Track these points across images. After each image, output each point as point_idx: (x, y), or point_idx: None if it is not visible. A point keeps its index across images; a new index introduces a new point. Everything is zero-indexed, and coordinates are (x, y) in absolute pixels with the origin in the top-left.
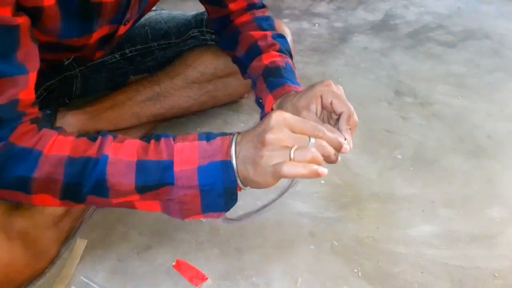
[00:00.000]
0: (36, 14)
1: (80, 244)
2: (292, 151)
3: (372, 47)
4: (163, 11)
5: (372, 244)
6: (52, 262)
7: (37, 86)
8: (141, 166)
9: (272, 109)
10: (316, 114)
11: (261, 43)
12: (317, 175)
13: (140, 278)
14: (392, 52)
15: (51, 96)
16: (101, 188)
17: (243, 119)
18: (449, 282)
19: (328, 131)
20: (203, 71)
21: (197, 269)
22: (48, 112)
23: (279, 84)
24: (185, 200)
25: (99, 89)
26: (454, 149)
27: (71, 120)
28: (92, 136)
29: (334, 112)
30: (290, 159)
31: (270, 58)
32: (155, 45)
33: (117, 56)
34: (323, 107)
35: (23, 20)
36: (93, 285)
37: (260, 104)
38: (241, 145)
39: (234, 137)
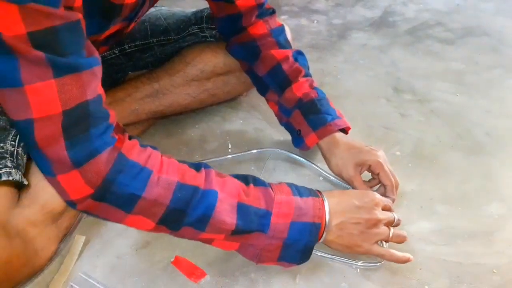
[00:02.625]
0: None
1: (78, 240)
2: (391, 233)
3: (371, 44)
4: (163, 8)
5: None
6: (51, 259)
7: None
8: (242, 209)
9: (318, 146)
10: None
11: (284, 67)
12: (409, 260)
13: (138, 275)
14: (391, 49)
15: None
16: (203, 222)
17: (241, 116)
18: (447, 279)
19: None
20: (202, 69)
21: (196, 265)
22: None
23: (322, 123)
24: (268, 248)
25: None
26: (453, 146)
27: None
28: (192, 164)
29: (379, 181)
30: (388, 240)
31: (302, 89)
32: (155, 41)
33: (116, 51)
34: (368, 170)
35: (80, 15)
36: (91, 281)
37: (291, 130)
38: (336, 212)
39: (325, 201)
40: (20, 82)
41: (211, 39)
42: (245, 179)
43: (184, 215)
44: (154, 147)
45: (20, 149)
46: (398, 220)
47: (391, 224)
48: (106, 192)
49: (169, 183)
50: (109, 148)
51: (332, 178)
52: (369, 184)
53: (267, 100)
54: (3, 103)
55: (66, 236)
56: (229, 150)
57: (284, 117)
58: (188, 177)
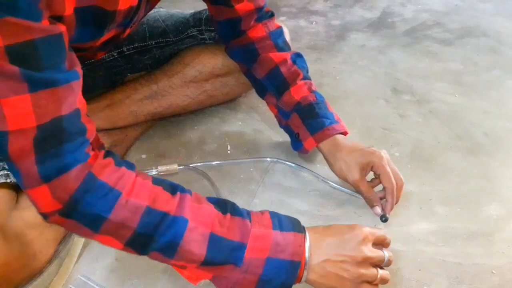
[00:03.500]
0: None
1: (77, 243)
2: (379, 274)
3: (369, 44)
4: (161, 10)
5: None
6: (50, 261)
7: None
8: (215, 241)
9: (319, 149)
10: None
11: (283, 69)
12: None
13: (138, 277)
14: (390, 50)
15: None
16: (171, 249)
17: (240, 118)
18: (446, 279)
19: (388, 238)
20: (201, 70)
21: None
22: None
23: (319, 127)
24: (242, 283)
25: (97, 87)
26: (452, 146)
27: None
28: (169, 186)
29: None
30: (374, 282)
31: (300, 93)
32: (153, 43)
33: (115, 54)
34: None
35: (63, 28)
36: (90, 284)
37: (290, 133)
38: (319, 249)
39: (307, 238)
40: None
41: (210, 41)
42: (224, 207)
43: (151, 240)
44: (130, 166)
45: None
46: (389, 259)
47: (381, 263)
48: (73, 210)
49: (137, 207)
50: (79, 165)
51: (332, 184)
52: (372, 184)
53: (267, 103)
54: None
55: (64, 238)
56: (228, 152)
57: (283, 119)
58: (160, 201)
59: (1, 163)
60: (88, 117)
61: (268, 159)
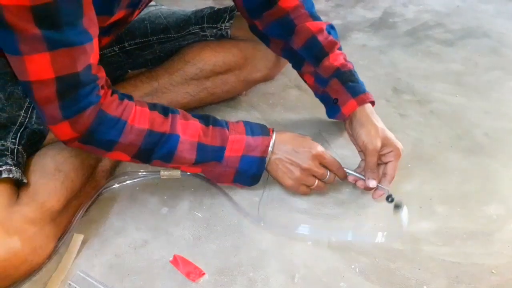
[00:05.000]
0: None
1: (76, 239)
2: (315, 183)
3: (370, 44)
4: (163, 7)
5: (368, 242)
6: (49, 257)
7: None
8: (201, 147)
9: (351, 115)
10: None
11: (320, 38)
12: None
13: (137, 273)
14: (391, 50)
15: None
16: (168, 157)
17: (241, 116)
18: (446, 279)
19: (342, 169)
20: (202, 67)
21: (194, 264)
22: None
23: (360, 91)
24: (224, 173)
25: None
26: (452, 146)
27: None
28: (162, 108)
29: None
30: (311, 187)
31: (339, 60)
32: (154, 39)
33: (116, 49)
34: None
35: None
36: (89, 280)
37: (327, 100)
38: (280, 150)
39: (272, 139)
40: (19, 52)
41: (211, 38)
42: (207, 120)
43: (152, 152)
44: (130, 98)
45: (20, 147)
46: (330, 177)
47: (321, 177)
48: (89, 138)
49: (140, 131)
50: (92, 106)
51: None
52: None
53: (302, 73)
54: (12, 65)
55: (64, 234)
56: None
57: (320, 87)
58: (157, 124)
59: (3, 158)
60: (98, 66)
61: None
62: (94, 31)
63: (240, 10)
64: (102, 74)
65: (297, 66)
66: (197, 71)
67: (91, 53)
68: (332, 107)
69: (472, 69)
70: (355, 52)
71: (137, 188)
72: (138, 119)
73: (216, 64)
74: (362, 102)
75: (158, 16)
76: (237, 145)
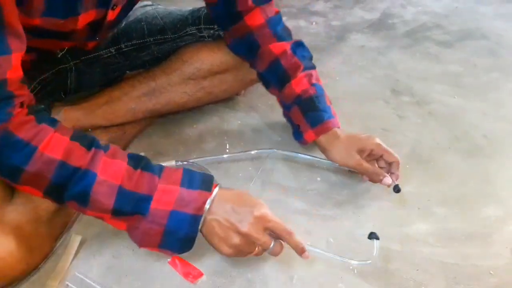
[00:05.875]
0: None
1: (75, 239)
2: (254, 253)
3: (369, 45)
4: (159, 7)
5: (368, 242)
6: (46, 257)
7: (31, 79)
8: (122, 193)
9: (317, 141)
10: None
11: (283, 61)
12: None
13: (135, 274)
14: (389, 51)
15: (45, 90)
16: (83, 199)
17: (239, 117)
18: (444, 280)
19: (294, 236)
20: (199, 67)
21: (193, 265)
22: (42, 107)
23: (319, 121)
24: (149, 232)
25: (94, 84)
26: (450, 148)
27: (66, 116)
28: (87, 141)
29: (384, 160)
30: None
31: (301, 86)
32: (151, 40)
33: (113, 50)
34: (369, 155)
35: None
36: (87, 281)
37: (292, 123)
38: (218, 209)
39: (212, 196)
40: None
41: (209, 39)
42: (137, 163)
43: (65, 189)
44: (52, 123)
45: None
46: (276, 248)
47: (264, 246)
48: None
49: (51, 160)
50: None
51: (335, 164)
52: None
53: (271, 93)
54: None
55: (61, 234)
56: (227, 151)
57: (285, 111)
58: (74, 156)
59: None
60: (20, 83)
61: (268, 150)
62: (15, 44)
63: (214, 20)
64: (22, 92)
65: (265, 86)
66: (194, 71)
67: (7, 68)
68: (296, 131)
69: (470, 71)
70: (354, 53)
71: None
72: (52, 147)
73: (213, 64)
74: (320, 133)
75: (155, 17)
76: (166, 196)
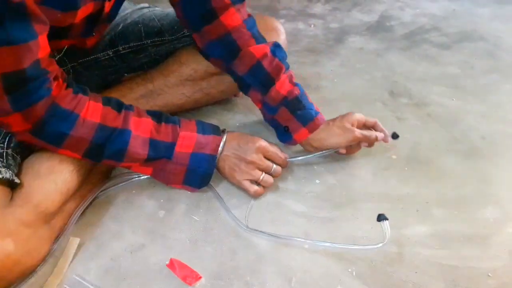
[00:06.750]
0: None
1: (72, 242)
2: (261, 176)
3: (367, 48)
4: (157, 8)
5: (367, 244)
6: (43, 260)
7: None
8: (153, 143)
9: (310, 138)
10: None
11: (265, 64)
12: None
13: (133, 277)
14: (388, 53)
15: None
16: (120, 154)
17: (238, 119)
18: (442, 282)
19: (285, 160)
20: (196, 69)
21: (191, 268)
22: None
23: (309, 118)
24: (174, 171)
25: (92, 86)
26: (449, 149)
27: None
28: (116, 104)
29: (366, 127)
30: (258, 180)
31: (285, 87)
32: (149, 42)
33: (110, 53)
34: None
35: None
36: (85, 283)
37: (277, 126)
38: (228, 147)
39: (223, 139)
40: None
41: None
42: (159, 117)
43: (104, 148)
44: (85, 92)
45: (10, 150)
46: (276, 169)
47: (266, 170)
48: (41, 129)
49: (92, 124)
50: (44, 99)
51: (338, 150)
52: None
53: (250, 98)
54: None
55: (59, 237)
56: None
57: (268, 114)
58: (109, 119)
59: None
60: (49, 59)
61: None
62: (40, 28)
63: (182, 22)
64: (53, 68)
65: (243, 90)
66: (191, 72)
67: (38, 50)
68: (283, 133)
69: (468, 73)
70: (352, 55)
71: (134, 191)
72: (91, 113)
73: (210, 65)
74: (313, 129)
75: (152, 19)
76: (187, 141)
